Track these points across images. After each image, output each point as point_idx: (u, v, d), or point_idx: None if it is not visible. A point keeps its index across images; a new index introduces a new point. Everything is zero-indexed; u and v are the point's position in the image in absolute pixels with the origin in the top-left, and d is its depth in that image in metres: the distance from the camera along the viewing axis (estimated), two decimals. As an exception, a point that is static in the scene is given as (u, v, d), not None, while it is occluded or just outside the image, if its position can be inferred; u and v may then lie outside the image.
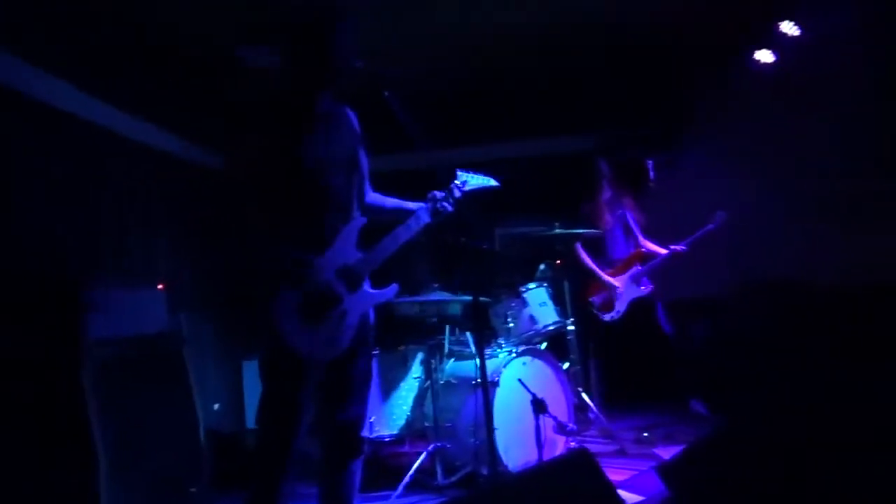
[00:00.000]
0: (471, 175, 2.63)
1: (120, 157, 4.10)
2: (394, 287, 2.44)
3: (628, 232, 4.63)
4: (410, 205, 2.55)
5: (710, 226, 4.39)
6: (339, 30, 2.29)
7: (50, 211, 3.51)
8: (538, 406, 3.25)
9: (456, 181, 2.59)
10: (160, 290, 3.51)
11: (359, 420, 2.46)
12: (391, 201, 2.59)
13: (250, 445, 4.31)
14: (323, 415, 2.45)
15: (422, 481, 3.53)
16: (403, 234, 2.43)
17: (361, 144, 2.53)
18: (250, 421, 4.95)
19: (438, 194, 2.51)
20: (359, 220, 2.40)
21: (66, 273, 3.53)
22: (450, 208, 2.49)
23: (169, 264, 4.46)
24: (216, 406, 4.90)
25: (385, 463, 4.03)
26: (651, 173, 4.55)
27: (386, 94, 2.43)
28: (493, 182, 2.67)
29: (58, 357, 2.90)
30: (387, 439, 3.81)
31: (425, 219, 2.47)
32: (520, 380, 3.32)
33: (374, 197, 2.60)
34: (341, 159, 2.41)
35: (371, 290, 2.38)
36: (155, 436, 3.12)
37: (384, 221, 2.57)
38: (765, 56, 4.23)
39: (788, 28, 3.95)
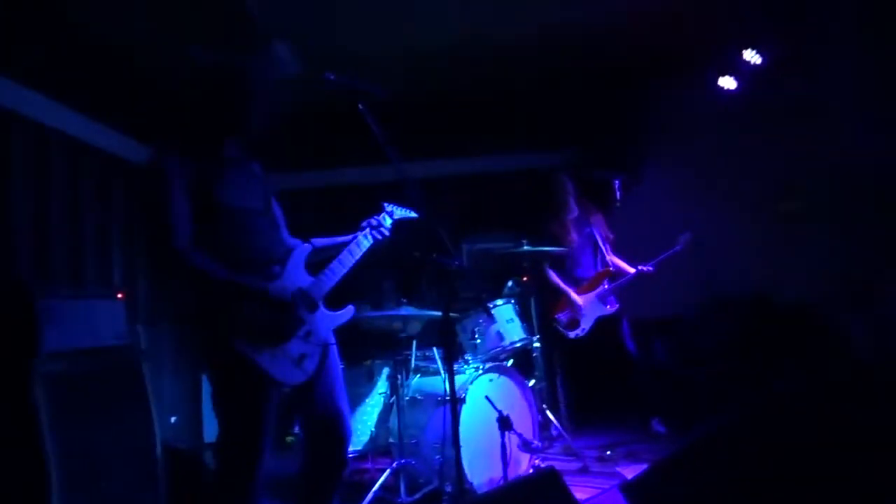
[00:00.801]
0: (394, 207, 2.75)
1: (74, 162, 3.97)
2: (350, 308, 2.48)
3: (596, 250, 4.68)
4: (341, 240, 2.57)
5: (677, 247, 4.46)
6: (250, 79, 2.28)
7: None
8: (504, 423, 3.24)
9: (384, 212, 2.69)
10: (120, 299, 3.41)
11: (346, 435, 2.44)
12: (319, 241, 2.56)
13: (208, 461, 4.20)
14: (309, 436, 2.41)
15: (385, 498, 3.49)
16: (349, 258, 2.48)
17: (271, 195, 2.52)
18: (208, 435, 4.83)
19: (375, 220, 2.61)
20: (306, 246, 2.43)
21: (17, 281, 3.40)
22: (387, 234, 2.61)
23: (126, 275, 4.33)
24: (173, 419, 4.77)
25: (347, 479, 3.97)
26: (617, 193, 4.60)
27: (360, 106, 2.43)
28: (413, 214, 2.80)
29: (6, 370, 2.80)
30: (350, 455, 3.74)
31: (367, 244, 2.55)
32: (487, 397, 3.32)
33: (294, 241, 2.58)
34: (259, 200, 2.40)
35: (328, 312, 2.40)
36: (109, 454, 3.01)
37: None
38: (728, 83, 4.35)
39: (751, 56, 4.07)
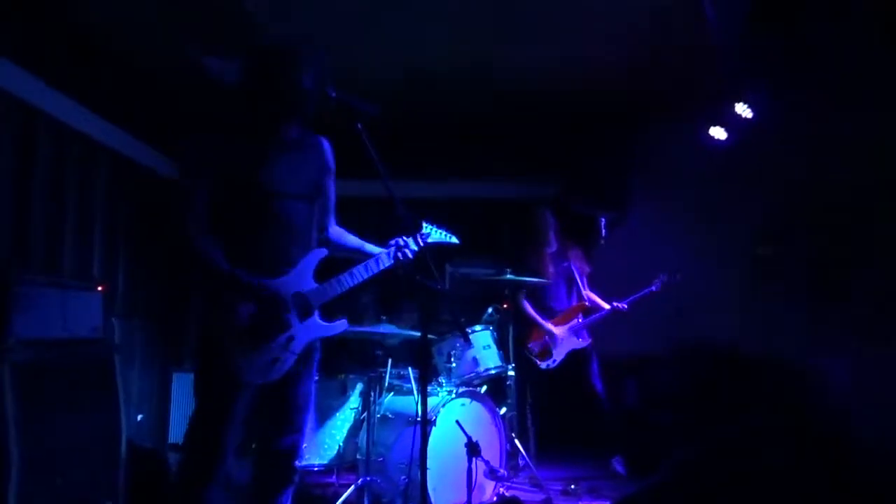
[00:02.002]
0: (434, 229, 2.72)
1: (60, 148, 3.92)
2: (343, 322, 2.46)
3: (571, 283, 4.73)
4: (370, 247, 2.58)
5: (652, 287, 4.53)
6: (306, 62, 2.30)
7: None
8: (472, 449, 3.25)
9: (420, 232, 2.65)
10: (99, 291, 3.39)
11: (294, 448, 2.43)
12: (352, 240, 2.61)
13: (171, 461, 4.15)
14: (258, 440, 2.41)
15: (347, 516, 3.48)
16: (362, 273, 2.46)
17: (330, 176, 2.55)
18: (174, 435, 4.78)
19: (402, 241, 2.54)
20: (320, 251, 2.42)
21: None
22: (411, 256, 2.52)
23: (105, 267, 4.29)
24: (140, 417, 4.72)
25: (310, 492, 3.95)
26: (603, 230, 4.68)
27: (359, 125, 2.45)
28: (454, 239, 2.78)
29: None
30: (316, 468, 3.74)
31: (385, 264, 2.51)
32: (458, 421, 3.32)
33: (335, 231, 2.62)
34: (304, 187, 2.41)
35: (321, 322, 2.39)
36: (72, 449, 2.97)
37: (340, 257, 2.59)
38: (718, 133, 4.45)
39: (742, 110, 4.17)
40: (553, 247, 4.69)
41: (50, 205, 3.78)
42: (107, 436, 3.25)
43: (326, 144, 2.54)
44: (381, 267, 2.50)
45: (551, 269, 4.64)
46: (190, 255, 2.23)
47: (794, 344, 4.39)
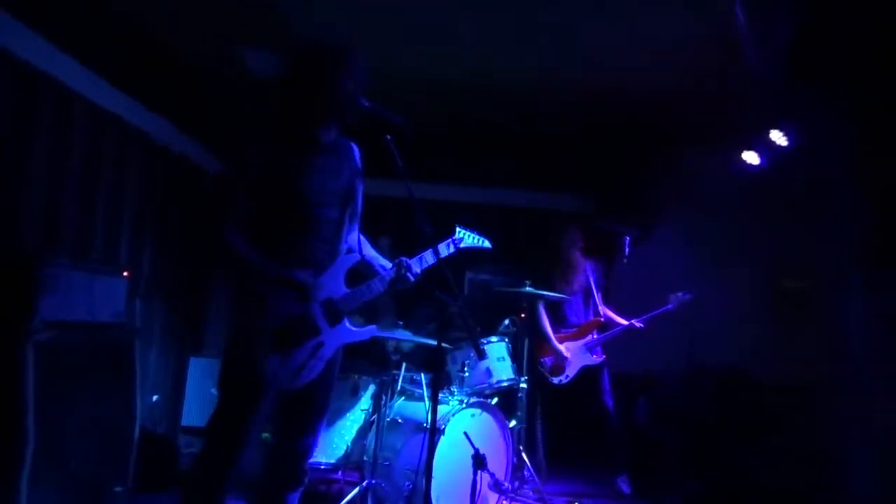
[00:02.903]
0: (467, 233, 2.69)
1: (95, 131, 3.97)
2: (372, 328, 2.47)
3: (588, 298, 4.71)
4: (381, 263, 2.54)
5: (669, 306, 4.49)
6: (347, 66, 2.30)
7: (13, 178, 3.38)
8: (478, 461, 3.25)
9: (453, 236, 2.63)
10: (124, 277, 3.44)
11: (307, 451, 2.46)
12: (367, 252, 2.58)
13: (183, 444, 4.22)
14: (273, 441, 2.44)
15: (350, 516, 3.50)
16: (378, 286, 2.45)
17: (359, 181, 2.55)
18: (187, 418, 4.85)
19: (405, 262, 2.50)
20: (353, 257, 2.43)
21: (22, 243, 3.43)
22: (411, 279, 2.49)
23: (133, 252, 4.35)
24: (155, 397, 4.80)
25: (315, 488, 3.98)
26: (626, 248, 4.64)
27: (388, 137, 2.45)
28: (487, 244, 2.74)
29: (1, 327, 2.82)
30: (322, 466, 3.77)
31: (417, 269, 2.50)
32: (465, 433, 3.33)
33: (354, 239, 2.60)
34: (336, 192, 2.42)
35: (350, 328, 2.39)
36: (88, 428, 3.03)
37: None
38: (752, 157, 4.39)
39: (778, 137, 4.11)
40: (576, 265, 4.67)
41: (83, 188, 3.84)
42: (121, 420, 3.30)
43: (356, 149, 2.55)
44: (384, 286, 2.47)
45: (572, 282, 4.62)
46: (227, 250, 2.24)
47: (807, 373, 4.34)
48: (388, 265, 2.52)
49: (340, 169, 2.44)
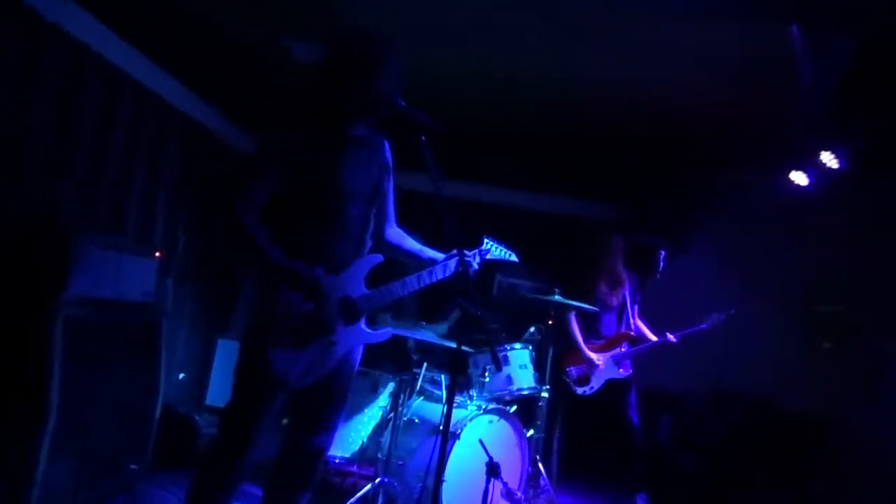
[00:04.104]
0: (494, 245, 2.65)
1: (137, 109, 4.00)
2: (388, 330, 2.43)
3: (622, 311, 4.61)
4: (429, 253, 2.52)
5: (703, 325, 4.36)
6: (388, 61, 2.28)
7: (55, 154, 3.44)
8: (492, 469, 3.22)
9: (480, 247, 2.59)
10: (155, 258, 3.49)
11: (323, 448, 2.45)
12: (411, 244, 2.56)
13: (204, 423, 4.27)
14: (288, 436, 2.44)
15: (360, 512, 3.51)
16: (414, 284, 2.41)
17: (389, 176, 2.52)
18: (211, 398, 4.93)
19: (467, 254, 2.42)
20: (375, 257, 2.39)
21: (61, 219, 3.50)
22: (470, 274, 2.40)
23: (167, 232, 4.42)
24: (181, 375, 4.88)
25: (329, 479, 4.00)
26: (661, 262, 4.54)
27: (423, 138, 2.41)
28: (514, 257, 2.69)
29: (32, 302, 2.88)
30: (337, 460, 3.78)
31: (439, 276, 2.43)
32: (480, 441, 3.30)
33: (394, 234, 2.58)
34: (364, 188, 2.39)
35: (365, 329, 2.36)
36: (109, 405, 3.09)
37: (397, 260, 2.56)
38: (800, 178, 4.23)
39: (828, 159, 3.95)
40: (613, 271, 4.58)
41: (121, 168, 3.90)
42: (143, 398, 3.36)
43: (387, 144, 2.52)
44: (436, 279, 2.43)
45: (608, 294, 4.54)
46: (237, 234, 2.19)
47: (839, 406, 4.21)
48: (439, 256, 2.47)
49: (370, 164, 2.42)
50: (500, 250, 2.66)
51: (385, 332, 2.41)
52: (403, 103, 2.36)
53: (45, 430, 2.73)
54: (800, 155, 4.09)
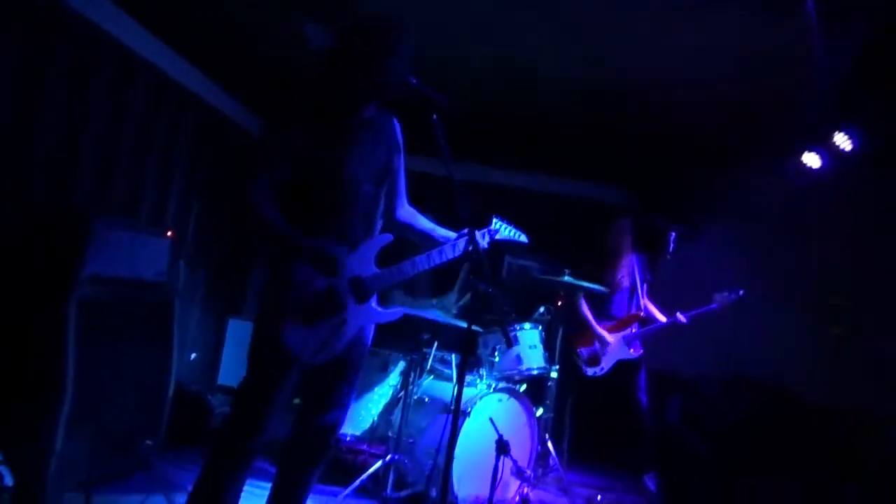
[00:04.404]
0: (504, 225, 2.64)
1: (151, 92, 4.03)
2: (399, 310, 2.45)
3: (633, 292, 4.62)
4: (441, 232, 2.53)
5: (713, 305, 4.35)
6: (398, 42, 2.28)
7: (71, 135, 3.46)
8: (501, 447, 3.23)
9: (489, 227, 2.59)
10: (168, 238, 3.52)
11: (334, 426, 2.47)
12: (422, 224, 2.57)
13: (216, 402, 4.33)
14: (301, 414, 2.47)
15: (370, 489, 3.55)
16: (424, 263, 2.42)
17: (400, 155, 2.52)
18: (223, 377, 4.98)
19: (477, 235, 2.40)
20: (385, 237, 2.40)
21: (73, 199, 3.53)
22: (480, 250, 2.39)
23: (179, 214, 4.44)
24: (193, 355, 4.93)
25: (341, 456, 4.05)
26: (672, 244, 4.53)
27: (434, 116, 2.41)
28: (523, 238, 2.68)
29: (48, 280, 2.91)
30: (348, 438, 3.83)
31: (449, 256, 2.44)
32: (490, 419, 3.33)
33: (406, 213, 2.58)
34: (375, 168, 2.40)
35: (376, 308, 2.38)
36: (123, 383, 3.13)
37: (409, 240, 2.57)
38: (812, 160, 4.19)
39: (842, 140, 3.92)
40: (624, 253, 4.58)
41: (135, 150, 3.93)
42: (157, 376, 3.40)
43: (397, 123, 2.52)
44: (446, 259, 2.44)
45: (618, 275, 4.54)
46: (252, 220, 2.22)
47: (852, 392, 4.20)
48: (451, 235, 2.48)
49: (380, 144, 2.42)
50: (510, 230, 2.65)
51: (396, 312, 2.43)
52: (414, 81, 2.36)
53: (62, 406, 2.78)
54: (813, 137, 4.05)
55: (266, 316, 2.28)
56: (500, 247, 2.70)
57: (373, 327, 2.49)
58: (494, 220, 2.63)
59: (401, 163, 2.54)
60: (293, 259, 2.22)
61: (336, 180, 2.30)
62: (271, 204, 2.23)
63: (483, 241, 2.52)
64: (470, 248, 2.38)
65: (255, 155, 2.32)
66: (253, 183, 2.22)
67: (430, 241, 2.51)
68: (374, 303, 2.36)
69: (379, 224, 2.47)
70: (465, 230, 2.43)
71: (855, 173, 4.14)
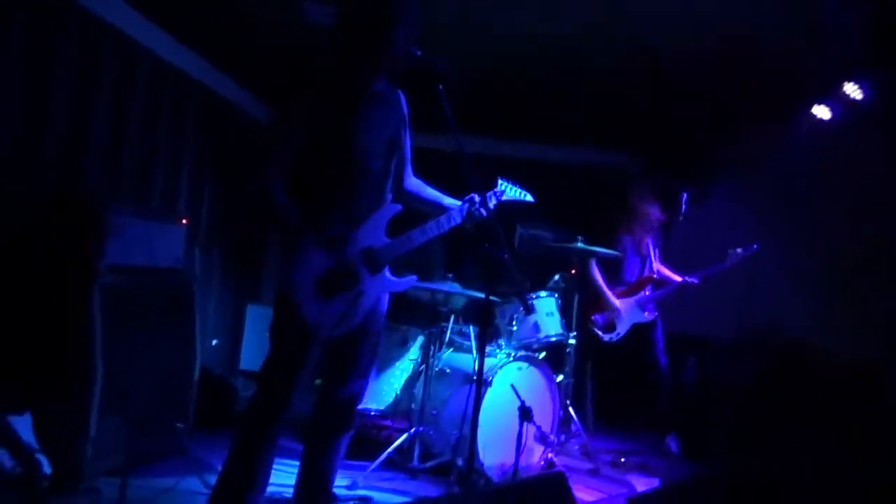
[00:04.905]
0: (509, 186, 2.65)
1: (156, 82, 4.04)
2: (412, 278, 2.49)
3: (645, 255, 4.62)
4: (447, 201, 2.56)
5: (725, 264, 4.36)
6: (403, 18, 2.29)
7: (79, 126, 3.48)
8: (524, 413, 3.27)
9: (495, 189, 2.60)
10: (183, 224, 3.55)
11: (356, 396, 2.51)
12: (429, 193, 2.60)
13: (240, 386, 4.39)
14: (323, 388, 2.51)
15: (397, 461, 3.60)
16: (433, 229, 2.45)
17: (407, 128, 2.54)
18: (245, 363, 5.04)
19: (476, 198, 2.46)
20: (393, 207, 2.44)
21: (90, 191, 3.56)
22: (484, 214, 2.44)
23: (191, 201, 4.47)
24: (214, 342, 4.99)
25: (365, 433, 4.10)
26: (683, 206, 4.52)
27: (440, 87, 2.42)
28: (529, 197, 2.69)
29: (72, 270, 2.96)
30: (372, 413, 3.88)
31: (457, 220, 2.48)
32: (512, 386, 3.36)
33: (413, 183, 2.61)
34: (384, 141, 2.43)
35: (390, 277, 2.42)
36: (150, 368, 3.19)
37: (416, 210, 2.60)
38: (822, 112, 4.15)
39: (852, 90, 3.88)
40: (637, 216, 4.58)
41: (144, 138, 3.95)
42: (181, 360, 3.46)
43: (403, 97, 2.54)
44: (453, 223, 2.47)
45: (630, 239, 4.55)
46: (268, 207, 2.29)
47: (869, 345, 4.20)
48: (457, 203, 2.50)
49: (388, 118, 2.45)
50: (515, 190, 2.66)
51: (409, 280, 2.47)
52: (419, 52, 2.36)
53: (93, 392, 2.84)
54: (822, 88, 4.00)
55: (284, 296, 2.31)
56: (508, 210, 2.70)
57: (387, 297, 2.53)
58: (500, 182, 2.63)
59: (407, 135, 2.56)
60: (305, 242, 2.27)
61: (347, 154, 2.33)
62: (284, 189, 2.28)
63: (490, 202, 2.51)
64: (473, 208, 2.44)
65: (267, 139, 2.39)
66: (267, 171, 2.28)
67: (439, 209, 2.53)
68: (387, 272, 2.40)
69: (388, 196, 2.50)
70: (472, 195, 2.46)
71: (866, 123, 4.10)
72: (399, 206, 2.45)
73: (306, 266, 2.25)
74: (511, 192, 2.65)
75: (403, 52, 2.30)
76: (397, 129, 2.49)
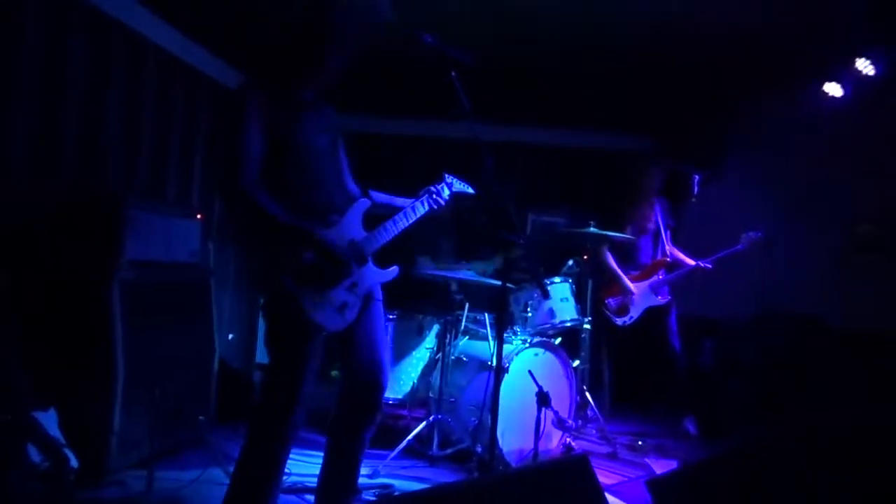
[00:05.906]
0: (455, 179, 2.78)
1: (166, 78, 4.06)
2: (395, 269, 2.53)
3: (657, 238, 4.62)
4: (400, 200, 2.63)
5: (739, 247, 4.35)
6: (335, 41, 2.31)
7: (93, 125, 3.51)
8: (542, 399, 3.28)
9: (444, 181, 2.74)
10: (198, 219, 3.58)
11: (378, 384, 2.48)
12: (380, 196, 2.64)
13: (257, 381, 4.42)
14: (343, 381, 2.52)
15: (416, 449, 3.63)
16: (403, 221, 2.53)
17: (341, 141, 2.60)
18: (261, 356, 5.07)
19: (434, 188, 2.65)
20: (364, 202, 2.48)
21: (109, 188, 3.59)
22: (443, 203, 2.65)
23: (204, 195, 4.50)
24: (231, 336, 5.02)
25: (384, 422, 4.11)
26: (695, 188, 4.50)
27: (453, 73, 2.42)
28: (471, 190, 2.84)
29: (92, 266, 3.00)
30: (390, 402, 3.91)
31: (422, 211, 2.59)
32: (530, 371, 3.37)
33: (360, 191, 2.65)
34: (328, 139, 2.47)
35: (375, 268, 2.46)
36: (169, 363, 3.23)
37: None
38: (834, 90, 4.12)
39: (863, 66, 3.84)
40: (649, 200, 4.57)
41: (157, 135, 3.97)
42: (201, 353, 3.50)
43: (332, 111, 2.56)
44: (419, 214, 2.58)
45: (643, 222, 4.54)
46: (246, 206, 2.21)
47: (885, 319, 4.18)
48: (407, 201, 2.61)
49: (328, 124, 2.49)
50: (461, 184, 2.80)
51: (392, 271, 2.51)
52: (430, 39, 2.36)
53: (116, 386, 2.88)
54: (833, 65, 3.96)
55: (282, 296, 2.22)
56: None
57: (379, 287, 2.55)
58: (445, 176, 2.76)
59: (340, 144, 2.60)
60: (294, 238, 2.23)
61: (305, 158, 2.34)
62: (262, 188, 2.23)
63: (444, 193, 2.68)
64: (432, 202, 2.62)
65: (232, 143, 2.26)
66: (243, 168, 2.21)
67: (393, 210, 2.58)
68: (371, 264, 2.44)
69: (353, 188, 2.58)
70: (429, 187, 2.66)
71: (878, 99, 4.06)
72: (368, 202, 2.49)
73: (299, 262, 2.21)
74: (457, 185, 2.78)
75: (339, 65, 2.36)
76: (334, 140, 2.53)
